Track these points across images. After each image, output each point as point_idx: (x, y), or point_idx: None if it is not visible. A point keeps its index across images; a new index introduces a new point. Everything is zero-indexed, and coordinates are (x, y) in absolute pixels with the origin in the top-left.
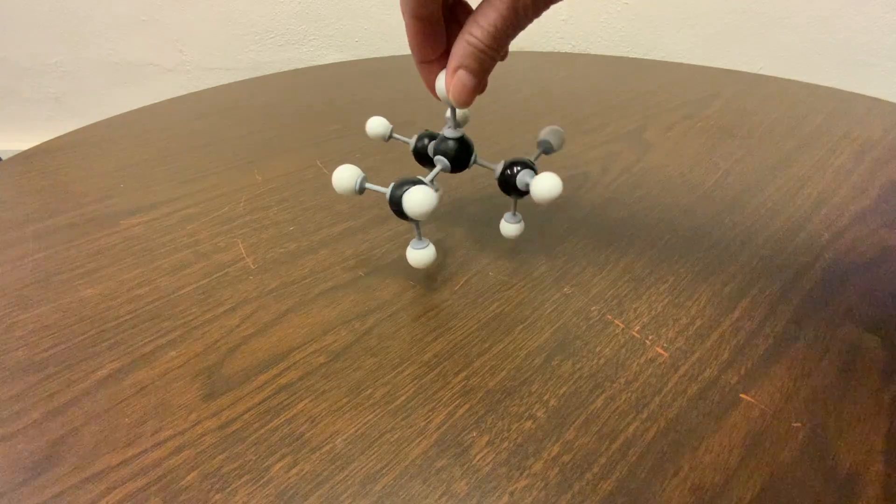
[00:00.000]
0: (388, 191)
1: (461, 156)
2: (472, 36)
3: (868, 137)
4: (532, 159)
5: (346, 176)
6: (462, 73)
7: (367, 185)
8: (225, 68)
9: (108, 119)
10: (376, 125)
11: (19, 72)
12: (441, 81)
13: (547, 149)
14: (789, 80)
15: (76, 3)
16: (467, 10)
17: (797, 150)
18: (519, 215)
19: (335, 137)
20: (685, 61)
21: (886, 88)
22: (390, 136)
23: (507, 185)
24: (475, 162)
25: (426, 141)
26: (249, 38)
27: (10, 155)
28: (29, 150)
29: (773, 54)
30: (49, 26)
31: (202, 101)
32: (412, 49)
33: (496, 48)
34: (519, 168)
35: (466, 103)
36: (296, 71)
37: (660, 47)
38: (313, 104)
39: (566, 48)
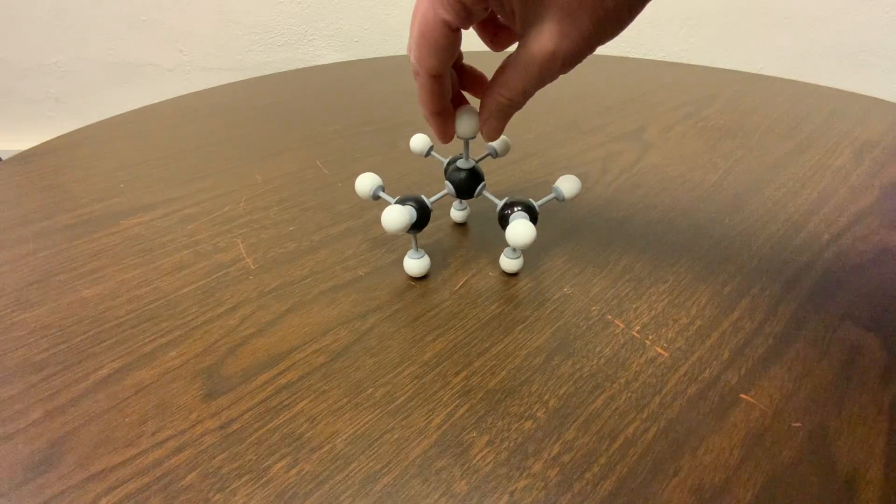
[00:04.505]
0: (393, 202)
1: (468, 185)
2: (502, 95)
3: (868, 137)
4: (538, 203)
5: (364, 184)
6: (493, 120)
7: (380, 194)
8: (225, 68)
9: (108, 119)
10: (418, 142)
11: (19, 72)
12: (460, 124)
13: (559, 196)
14: (789, 80)
15: (76, 3)
16: (460, 55)
17: (797, 150)
18: (518, 251)
19: (335, 137)
20: (685, 61)
21: (886, 88)
22: (428, 153)
23: (504, 223)
24: (481, 193)
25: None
26: (249, 38)
27: (10, 155)
28: (29, 150)
29: (773, 54)
30: (49, 26)
31: (202, 101)
32: (425, 103)
33: (523, 102)
34: (518, 208)
35: (497, 139)
36: (296, 71)
37: (660, 47)
38: (313, 104)
39: None
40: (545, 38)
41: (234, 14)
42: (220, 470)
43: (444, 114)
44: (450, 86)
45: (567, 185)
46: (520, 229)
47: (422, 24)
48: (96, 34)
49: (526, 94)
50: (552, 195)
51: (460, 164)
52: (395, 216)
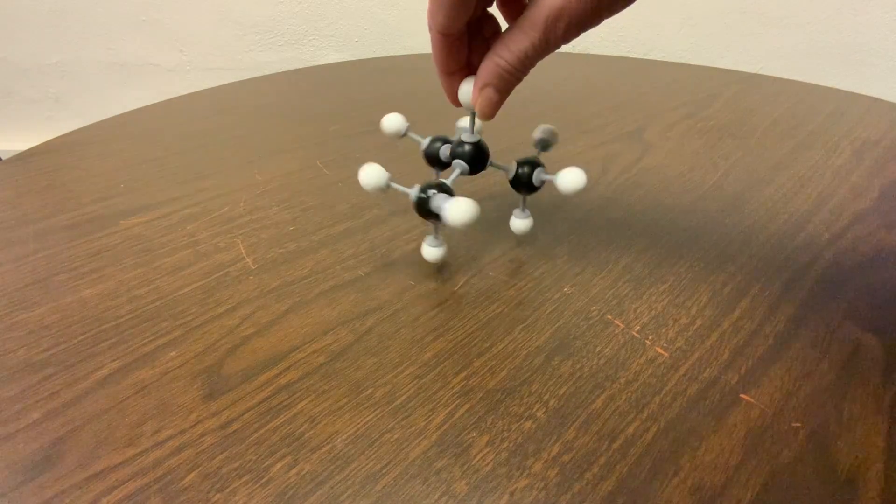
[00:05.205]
0: (412, 192)
1: (477, 158)
2: (501, 58)
3: (868, 137)
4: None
5: (372, 174)
6: (489, 90)
7: (393, 184)
8: (225, 68)
9: (108, 119)
10: (392, 122)
11: (19, 72)
12: (464, 90)
13: (545, 146)
14: (789, 80)
15: (76, 3)
16: (493, 24)
17: (797, 150)
18: (528, 211)
19: (335, 137)
20: (685, 61)
21: (886, 88)
22: (405, 134)
23: (520, 182)
24: (490, 164)
25: (438, 144)
26: (249, 38)
27: (10, 155)
28: (29, 150)
29: (773, 54)
30: (49, 26)
31: (202, 101)
32: (436, 61)
33: (523, 70)
34: (530, 167)
35: (491, 116)
36: (296, 71)
37: (660, 47)
38: (313, 104)
39: (566, 48)
40: None
41: (234, 14)
42: (220, 470)
43: (454, 76)
44: (464, 48)
45: (549, 133)
46: (572, 174)
47: None
48: (96, 34)
49: (527, 60)
50: (539, 149)
51: (465, 137)
52: (466, 210)
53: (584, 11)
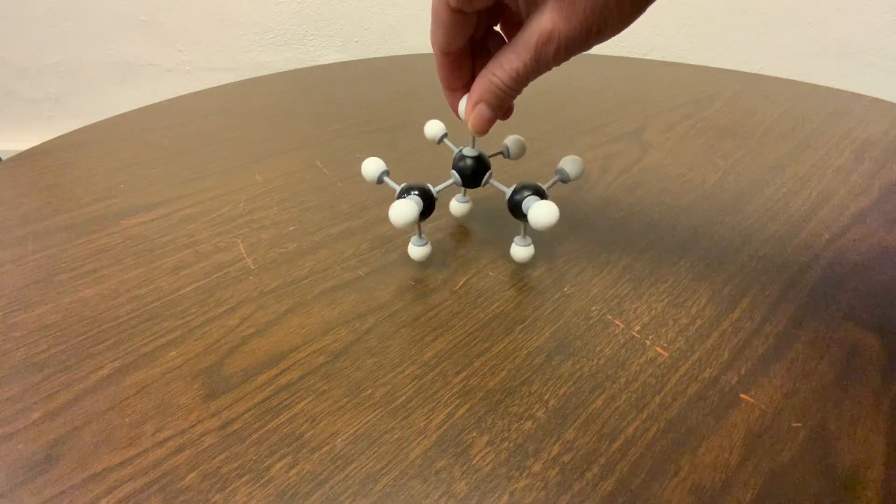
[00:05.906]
0: (398, 188)
1: (474, 174)
2: (495, 75)
3: (868, 137)
4: (545, 186)
5: (370, 168)
6: (481, 107)
7: (385, 179)
8: (225, 68)
9: (108, 119)
10: (430, 128)
11: (19, 72)
12: (463, 106)
13: (564, 178)
14: (789, 80)
15: (76, 3)
16: (498, 42)
17: (797, 150)
18: (528, 239)
19: (335, 137)
20: (685, 61)
21: (886, 88)
22: (440, 141)
23: (516, 209)
24: (489, 181)
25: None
26: (249, 38)
27: (10, 155)
28: (29, 150)
29: (773, 54)
30: (49, 26)
31: (202, 101)
32: (440, 78)
33: (515, 89)
34: (528, 193)
35: (483, 132)
36: (296, 71)
37: (660, 47)
38: (313, 104)
39: None
40: (545, 18)
41: (234, 14)
42: (220, 470)
43: (458, 92)
44: (467, 66)
45: (570, 166)
46: (543, 210)
47: (433, 0)
48: (96, 34)
49: (518, 79)
50: (556, 178)
51: (466, 151)
52: (403, 210)
53: (573, 36)
